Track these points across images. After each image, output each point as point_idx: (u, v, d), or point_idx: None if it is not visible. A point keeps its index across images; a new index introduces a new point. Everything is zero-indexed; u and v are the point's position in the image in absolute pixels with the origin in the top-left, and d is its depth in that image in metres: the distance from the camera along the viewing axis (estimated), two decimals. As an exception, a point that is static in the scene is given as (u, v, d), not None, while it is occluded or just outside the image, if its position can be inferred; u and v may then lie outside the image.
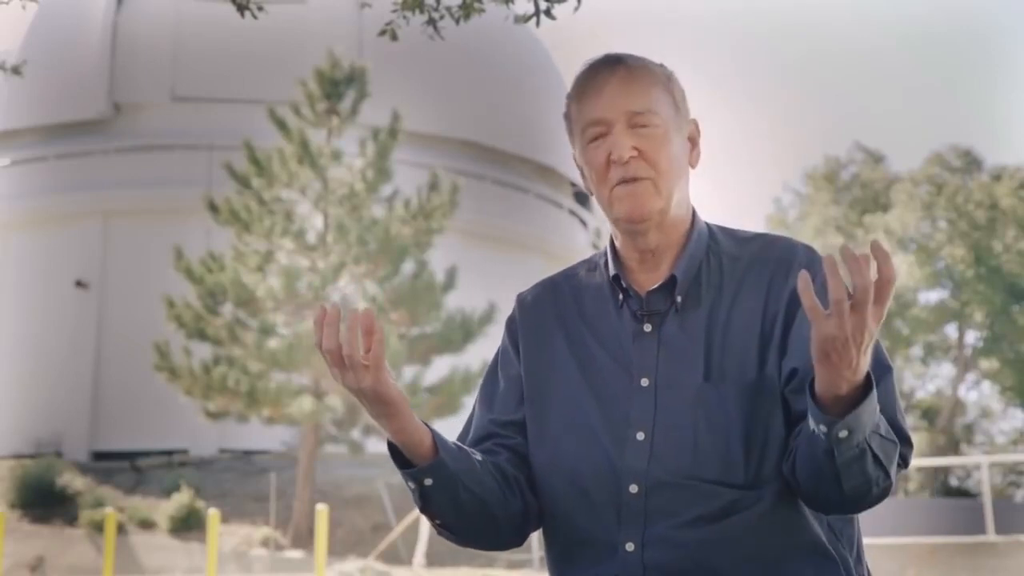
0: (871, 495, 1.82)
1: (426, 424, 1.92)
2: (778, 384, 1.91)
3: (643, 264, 2.02)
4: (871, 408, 1.72)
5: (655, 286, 2.00)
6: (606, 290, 2.05)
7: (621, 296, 2.02)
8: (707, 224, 2.07)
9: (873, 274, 1.63)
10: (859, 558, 1.98)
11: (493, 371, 2.14)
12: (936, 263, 35.02)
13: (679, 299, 1.98)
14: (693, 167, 2.05)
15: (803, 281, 1.64)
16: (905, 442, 1.85)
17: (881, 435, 1.77)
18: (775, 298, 1.95)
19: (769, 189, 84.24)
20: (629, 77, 1.98)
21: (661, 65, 2.05)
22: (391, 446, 1.93)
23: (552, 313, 2.09)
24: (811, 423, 1.75)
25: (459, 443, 1.99)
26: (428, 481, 1.90)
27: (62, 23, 29.86)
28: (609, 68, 2.00)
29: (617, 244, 2.04)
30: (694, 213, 2.06)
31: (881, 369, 1.86)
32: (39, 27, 29.43)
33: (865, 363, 1.69)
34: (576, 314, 2.07)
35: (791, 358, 1.90)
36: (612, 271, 2.03)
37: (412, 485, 1.92)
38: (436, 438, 1.91)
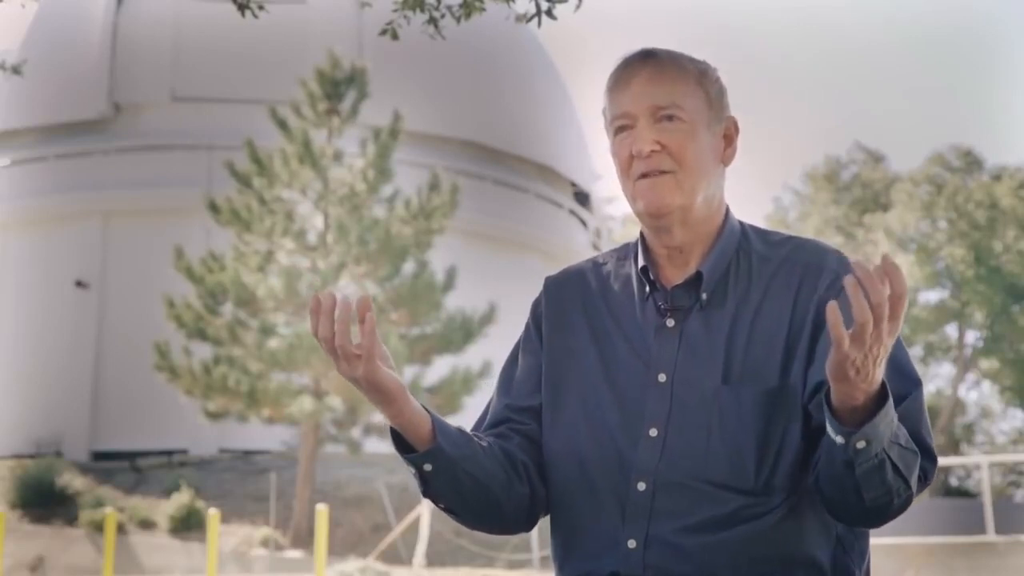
0: (892, 506, 1.81)
1: (427, 410, 1.93)
2: (800, 394, 1.90)
3: (671, 259, 2.01)
4: (888, 418, 1.71)
5: (680, 281, 1.99)
6: (633, 281, 2.05)
7: (647, 288, 2.01)
8: (740, 223, 2.06)
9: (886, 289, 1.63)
10: (867, 573, 1.98)
11: (514, 355, 2.14)
12: (936, 263, 35.02)
13: (704, 296, 1.97)
14: (726, 164, 2.03)
15: (832, 313, 1.62)
16: (928, 457, 1.84)
17: (901, 445, 1.76)
18: (803, 306, 1.94)
19: (769, 189, 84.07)
20: (657, 72, 1.98)
21: (701, 61, 2.04)
22: (393, 432, 1.94)
23: (578, 300, 2.09)
24: (830, 434, 1.74)
25: (462, 428, 1.99)
26: (427, 466, 1.91)
27: (62, 23, 29.85)
28: (640, 62, 2.00)
29: (647, 236, 2.04)
30: (727, 212, 2.04)
31: (909, 383, 1.86)
32: (39, 27, 29.41)
33: (880, 375, 1.69)
34: (602, 303, 2.06)
35: (818, 370, 1.87)
36: (641, 263, 2.02)
37: (412, 470, 1.94)
38: (435, 424, 1.92)
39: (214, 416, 21.22)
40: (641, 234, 2.05)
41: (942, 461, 26.87)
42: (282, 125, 21.21)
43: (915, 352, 37.26)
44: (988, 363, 37.30)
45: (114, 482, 24.55)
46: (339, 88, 21.64)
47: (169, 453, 26.31)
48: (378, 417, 20.24)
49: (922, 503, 22.35)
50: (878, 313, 1.62)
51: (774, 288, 1.97)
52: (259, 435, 24.25)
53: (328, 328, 1.82)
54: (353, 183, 21.39)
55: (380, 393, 1.87)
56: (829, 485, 1.81)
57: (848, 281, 1.62)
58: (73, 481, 24.02)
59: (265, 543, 21.38)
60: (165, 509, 22.19)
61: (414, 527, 20.32)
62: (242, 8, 4.27)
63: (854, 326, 1.62)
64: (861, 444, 1.71)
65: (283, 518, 22.23)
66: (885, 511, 1.82)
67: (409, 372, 21.25)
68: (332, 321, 1.82)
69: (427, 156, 27.52)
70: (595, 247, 34.75)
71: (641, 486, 1.91)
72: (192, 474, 24.32)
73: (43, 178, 29.64)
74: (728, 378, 1.92)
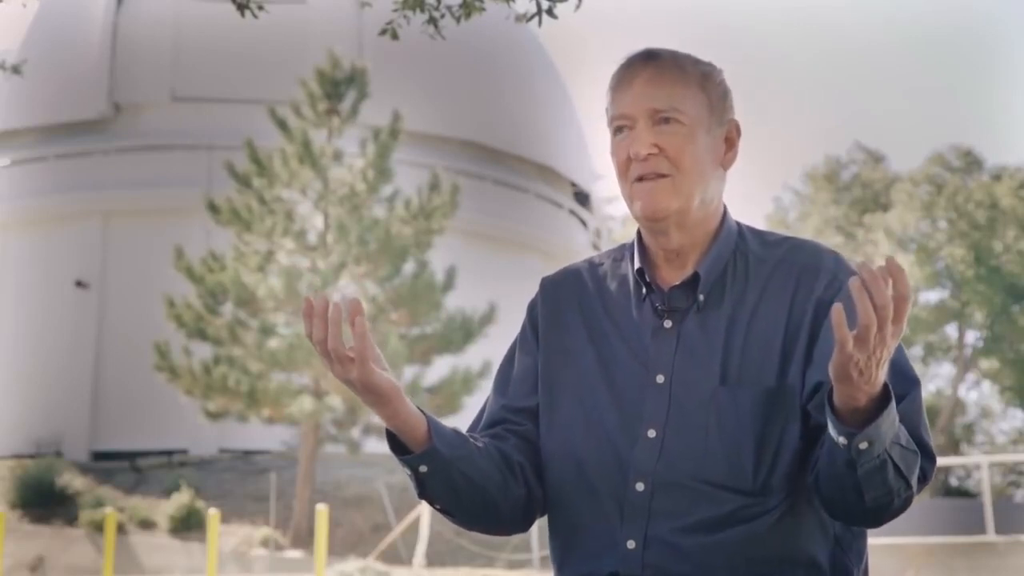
0: (892, 506, 1.81)
1: (422, 411, 1.93)
2: (798, 394, 1.90)
3: (668, 260, 2.01)
4: (890, 419, 1.72)
5: (678, 282, 1.99)
6: (630, 283, 2.04)
7: (644, 290, 2.01)
8: (738, 224, 2.06)
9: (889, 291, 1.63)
10: (865, 572, 1.99)
11: (511, 356, 2.14)
12: (936, 263, 35.00)
13: (701, 297, 1.97)
14: (726, 168, 2.03)
15: (837, 315, 1.63)
16: (927, 456, 1.84)
17: (902, 445, 1.77)
18: (799, 307, 1.94)
19: (769, 189, 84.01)
20: (658, 74, 1.97)
21: (706, 63, 2.04)
22: (388, 433, 1.94)
23: (575, 300, 2.08)
24: (832, 435, 1.75)
25: (457, 430, 1.99)
26: (423, 468, 1.92)
27: (62, 23, 29.84)
28: (641, 63, 1.99)
29: (644, 237, 2.04)
30: (725, 213, 2.04)
31: (908, 383, 1.86)
32: (39, 27, 29.41)
33: (882, 376, 1.69)
34: (599, 304, 2.06)
35: (816, 371, 1.88)
36: (637, 264, 2.02)
37: (408, 471, 1.94)
38: (431, 425, 1.93)
39: (214, 416, 21.23)
40: (638, 233, 2.05)
41: (942, 461, 26.94)
42: (282, 125, 21.22)
43: (915, 352, 37.24)
44: (988, 363, 37.29)
45: (114, 482, 24.55)
46: (339, 88, 21.64)
47: (169, 453, 26.31)
48: (378, 417, 20.23)
49: (922, 503, 22.36)
50: (882, 315, 1.62)
51: (771, 289, 1.97)
52: (259, 435, 24.26)
53: (321, 331, 1.83)
54: (353, 183, 21.39)
55: (374, 395, 1.88)
56: (829, 485, 1.81)
57: (853, 283, 1.62)
58: (73, 481, 24.02)
59: (265, 543, 21.38)
60: (165, 509, 22.19)
61: (414, 527, 20.32)
62: (242, 8, 4.27)
63: (858, 328, 1.63)
64: (864, 445, 1.71)
65: (283, 518, 22.23)
66: (885, 511, 1.82)
67: (409, 372, 21.26)
68: (325, 324, 1.83)
69: (427, 156, 27.53)
70: (595, 247, 34.73)
71: (639, 486, 1.92)
72: (192, 474, 24.32)
73: (43, 178, 29.64)
74: (726, 379, 1.92)
